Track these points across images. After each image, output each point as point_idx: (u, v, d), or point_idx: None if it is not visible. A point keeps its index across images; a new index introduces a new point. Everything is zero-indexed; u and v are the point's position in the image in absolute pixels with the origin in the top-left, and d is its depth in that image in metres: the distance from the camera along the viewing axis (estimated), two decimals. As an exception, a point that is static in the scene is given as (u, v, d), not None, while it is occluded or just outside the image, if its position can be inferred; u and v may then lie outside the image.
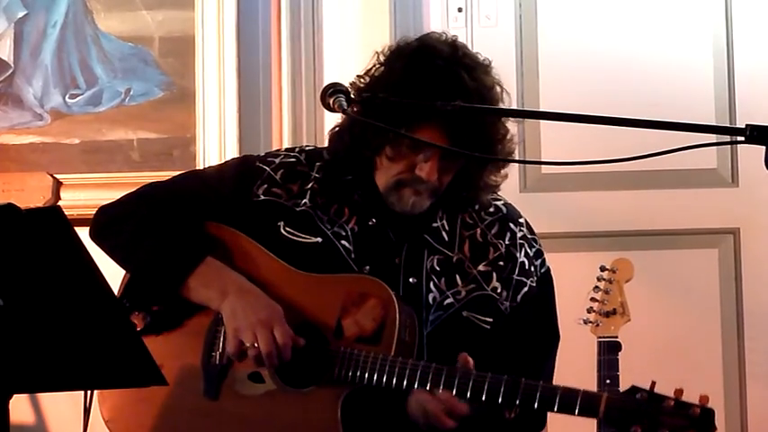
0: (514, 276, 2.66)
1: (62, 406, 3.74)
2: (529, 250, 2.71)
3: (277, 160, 2.73)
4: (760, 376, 3.91)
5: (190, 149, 3.88)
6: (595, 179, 3.96)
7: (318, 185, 2.68)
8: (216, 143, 3.86)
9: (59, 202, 3.84)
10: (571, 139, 3.78)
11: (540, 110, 3.98)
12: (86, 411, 2.42)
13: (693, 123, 2.22)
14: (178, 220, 2.65)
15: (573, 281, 3.38)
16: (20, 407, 3.74)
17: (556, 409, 2.35)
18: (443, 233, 2.66)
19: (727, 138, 2.31)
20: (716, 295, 3.96)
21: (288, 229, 2.64)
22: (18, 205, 2.03)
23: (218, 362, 2.58)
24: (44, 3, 3.97)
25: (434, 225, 2.66)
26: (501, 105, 2.60)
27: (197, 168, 2.88)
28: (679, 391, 2.28)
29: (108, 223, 2.69)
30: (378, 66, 2.65)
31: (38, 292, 2.10)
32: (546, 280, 2.73)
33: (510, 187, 3.96)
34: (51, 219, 2.03)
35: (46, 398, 3.79)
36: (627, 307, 3.29)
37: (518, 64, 4.03)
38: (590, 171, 3.89)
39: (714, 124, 3.80)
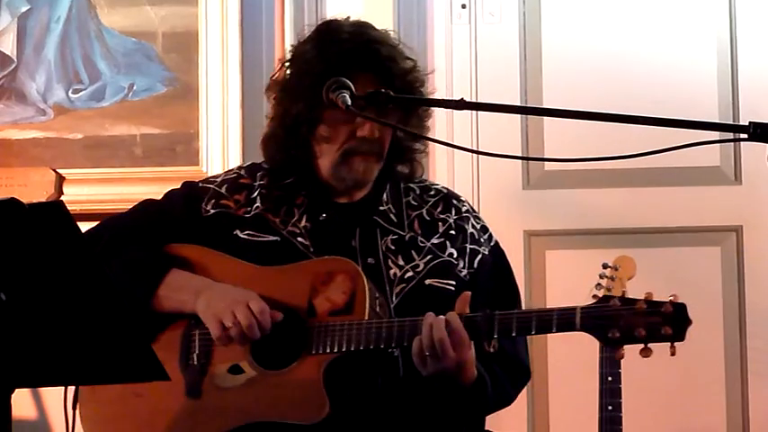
0: (467, 245, 2.71)
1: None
2: (475, 223, 2.76)
3: (219, 179, 2.79)
4: (762, 374, 3.91)
5: (193, 145, 3.88)
6: (598, 176, 3.96)
7: (265, 191, 2.72)
8: (219, 139, 3.86)
9: (62, 198, 3.84)
10: (574, 136, 3.77)
11: (544, 106, 3.97)
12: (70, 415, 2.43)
13: (697, 121, 2.22)
14: (139, 242, 2.69)
15: (575, 278, 3.38)
16: (22, 402, 3.73)
17: (534, 331, 2.40)
18: (391, 215, 2.70)
19: (730, 135, 2.31)
20: (718, 293, 3.96)
21: (246, 232, 2.67)
22: (21, 200, 2.03)
23: (196, 362, 2.59)
24: (47, -2, 3.97)
25: (381, 209, 2.71)
26: (407, 53, 2.70)
27: (149, 198, 2.88)
28: (649, 294, 2.36)
29: None
30: (286, 65, 2.73)
31: (40, 286, 2.09)
32: (498, 251, 2.78)
33: (513, 184, 4.01)
34: (54, 213, 2.03)
35: (48, 393, 3.79)
36: (629, 304, 3.28)
37: (521, 61, 4.03)
38: (593, 168, 3.89)
39: (717, 122, 3.80)
